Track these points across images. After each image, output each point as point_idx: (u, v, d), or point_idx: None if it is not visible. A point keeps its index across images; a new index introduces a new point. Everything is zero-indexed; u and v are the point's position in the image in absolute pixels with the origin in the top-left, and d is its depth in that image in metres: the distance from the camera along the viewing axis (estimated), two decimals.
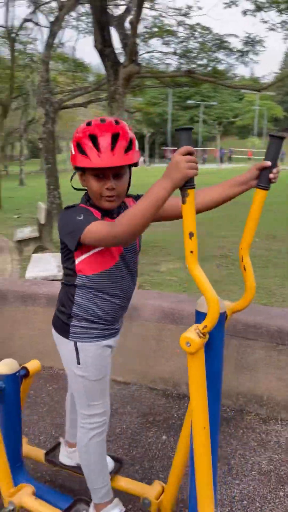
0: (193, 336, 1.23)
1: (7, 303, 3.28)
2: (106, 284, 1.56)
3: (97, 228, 1.37)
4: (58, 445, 2.11)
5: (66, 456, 2.03)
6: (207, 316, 1.24)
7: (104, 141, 1.41)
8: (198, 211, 1.59)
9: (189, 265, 1.24)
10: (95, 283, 1.55)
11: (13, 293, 3.28)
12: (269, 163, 1.37)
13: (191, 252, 1.22)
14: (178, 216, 1.60)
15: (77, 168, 1.48)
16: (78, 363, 1.61)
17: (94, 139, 1.42)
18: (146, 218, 1.26)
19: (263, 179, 1.39)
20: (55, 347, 1.73)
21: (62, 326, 1.63)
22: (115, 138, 1.42)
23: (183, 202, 1.21)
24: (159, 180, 1.23)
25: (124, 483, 1.94)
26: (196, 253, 1.23)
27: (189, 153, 1.19)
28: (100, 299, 1.58)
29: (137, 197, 1.63)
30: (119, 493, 1.86)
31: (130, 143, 1.45)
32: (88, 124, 1.46)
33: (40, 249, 7.08)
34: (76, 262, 1.53)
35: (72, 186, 1.61)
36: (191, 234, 1.21)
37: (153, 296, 3.16)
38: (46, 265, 4.71)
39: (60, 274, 4.51)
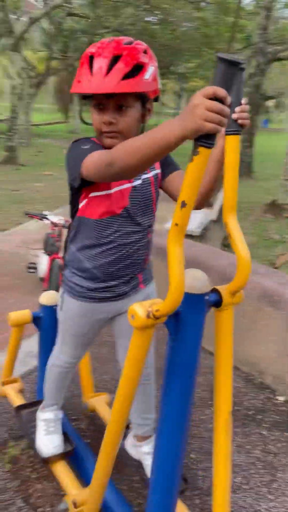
0: (140, 311, 1.04)
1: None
2: (103, 234, 1.40)
3: (96, 155, 1.18)
4: None
5: (132, 446, 1.87)
6: (165, 300, 1.02)
7: (100, 63, 1.20)
8: (200, 206, 1.34)
9: (168, 239, 1.01)
10: (90, 230, 1.40)
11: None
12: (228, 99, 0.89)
13: (176, 224, 0.97)
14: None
15: (82, 98, 1.33)
16: (61, 309, 1.57)
17: (91, 60, 1.23)
18: (144, 154, 0.99)
19: (231, 121, 1.08)
20: None
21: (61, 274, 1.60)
22: (115, 60, 1.20)
23: (190, 160, 0.92)
24: (173, 120, 0.92)
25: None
26: (182, 228, 0.98)
27: (217, 98, 0.83)
28: (94, 250, 1.42)
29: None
30: None
31: (136, 68, 1.21)
32: (95, 44, 1.27)
33: None
34: (80, 205, 1.40)
35: (82, 120, 1.46)
36: (183, 204, 0.94)
37: (260, 271, 2.80)
38: (192, 220, 4.58)
39: (197, 230, 4.39)
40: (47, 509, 1.73)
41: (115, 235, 1.40)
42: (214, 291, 1.21)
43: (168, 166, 1.43)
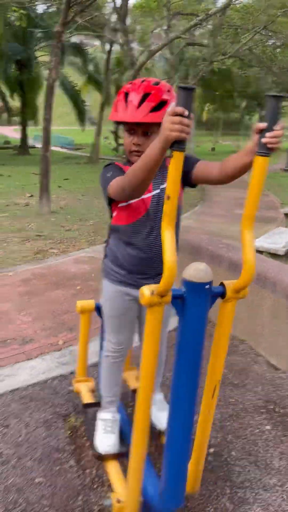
0: (145, 291, 1.29)
1: (197, 257, 3.60)
2: (130, 236, 1.70)
3: (114, 183, 1.53)
4: None
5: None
6: (162, 279, 1.25)
7: (133, 97, 1.51)
8: (222, 181, 1.52)
9: (162, 227, 1.27)
10: (121, 233, 1.73)
11: (205, 251, 3.57)
12: (262, 125, 1.18)
13: (165, 214, 1.25)
14: (210, 180, 1.55)
15: (116, 123, 1.63)
16: (102, 293, 1.89)
17: (126, 95, 1.54)
18: (143, 173, 1.33)
19: (261, 144, 1.21)
20: None
21: (102, 262, 1.90)
22: (145, 96, 1.49)
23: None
24: (155, 139, 1.24)
25: None
26: (169, 217, 1.24)
27: (178, 114, 1.13)
28: (124, 248, 1.74)
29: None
30: None
31: (161, 104, 1.50)
32: (130, 82, 1.58)
33: None
34: (113, 214, 1.74)
35: (116, 140, 1.76)
36: (167, 197, 1.22)
37: None
38: (278, 239, 4.64)
39: (282, 250, 4.39)
40: (93, 471, 2.01)
41: (139, 236, 1.70)
42: (221, 284, 1.41)
43: (189, 163, 1.63)
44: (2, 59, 18.51)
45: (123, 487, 1.74)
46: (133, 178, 1.38)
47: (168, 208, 1.23)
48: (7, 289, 4.14)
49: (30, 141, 26.87)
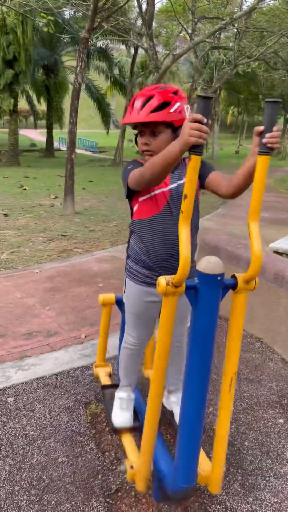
0: (162, 281, 1.41)
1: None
2: (151, 230, 1.79)
3: (135, 171, 1.66)
4: None
5: (165, 398, 2.28)
6: (178, 270, 1.38)
7: (138, 102, 1.65)
8: (228, 196, 1.65)
9: (179, 224, 1.39)
10: (142, 228, 1.82)
11: (224, 250, 3.67)
12: (261, 128, 1.33)
13: (182, 212, 1.37)
14: (217, 192, 1.68)
15: (133, 127, 1.77)
16: (124, 292, 1.99)
17: (134, 101, 1.68)
18: (161, 166, 1.47)
19: (262, 144, 1.34)
20: None
21: (125, 263, 2.00)
22: (148, 99, 1.63)
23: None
24: (175, 141, 1.39)
25: None
26: (186, 215, 1.36)
27: (198, 121, 1.25)
28: (145, 244, 1.82)
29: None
30: None
31: (164, 104, 1.62)
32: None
33: None
34: (134, 209, 1.85)
35: (136, 142, 1.84)
36: (185, 196, 1.33)
37: None
38: None
39: None
40: (112, 454, 2.14)
41: (160, 230, 1.79)
42: (233, 277, 1.52)
43: (205, 170, 1.75)
44: (30, 64, 18.94)
45: (137, 455, 1.89)
46: (152, 169, 1.52)
47: (185, 206, 1.35)
48: (33, 285, 4.33)
49: (56, 144, 27.35)
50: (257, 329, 3.37)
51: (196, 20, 13.87)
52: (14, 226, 7.17)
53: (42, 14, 13.18)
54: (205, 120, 1.26)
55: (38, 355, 2.98)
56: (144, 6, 11.46)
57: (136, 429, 2.14)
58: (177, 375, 2.20)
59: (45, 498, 1.88)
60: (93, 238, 6.57)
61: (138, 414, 2.20)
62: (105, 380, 2.52)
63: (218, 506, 1.88)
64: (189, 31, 13.62)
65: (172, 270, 1.84)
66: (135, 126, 1.76)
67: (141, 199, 1.80)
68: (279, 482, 2.03)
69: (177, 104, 1.66)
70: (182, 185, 1.78)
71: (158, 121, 1.65)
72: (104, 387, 2.45)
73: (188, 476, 1.65)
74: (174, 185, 1.78)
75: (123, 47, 24.92)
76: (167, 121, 1.65)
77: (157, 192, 1.77)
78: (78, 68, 7.99)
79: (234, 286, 1.51)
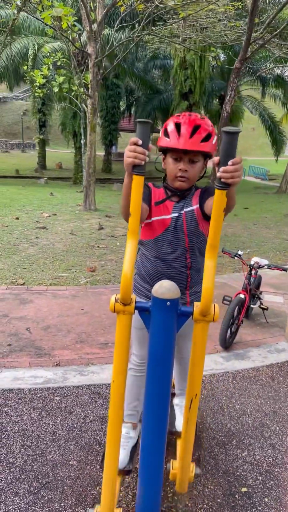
0: (112, 298, 1.44)
1: None
2: (152, 250, 1.86)
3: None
4: None
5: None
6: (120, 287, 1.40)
7: (185, 129, 1.63)
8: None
9: (127, 237, 1.42)
10: (145, 247, 1.89)
11: None
12: (217, 159, 1.24)
13: (130, 229, 1.40)
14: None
15: (161, 150, 1.75)
16: None
17: (178, 126, 1.66)
18: (123, 199, 1.52)
19: (217, 178, 1.24)
20: None
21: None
22: (196, 128, 1.62)
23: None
24: None
25: None
26: (133, 231, 1.40)
27: (134, 143, 1.32)
28: (146, 263, 1.91)
29: (203, 190, 1.76)
30: None
31: (208, 136, 1.63)
32: (178, 115, 1.70)
33: None
34: (141, 229, 1.89)
35: (156, 168, 1.85)
36: (130, 214, 1.39)
37: None
38: None
39: None
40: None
41: (155, 252, 1.85)
42: (191, 304, 1.46)
43: (204, 195, 1.75)
44: (204, 95, 19.85)
45: (111, 506, 1.67)
46: (121, 203, 1.57)
47: (130, 224, 1.40)
48: None
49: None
50: None
51: None
52: None
53: (212, 47, 13.75)
54: (140, 142, 1.30)
55: (102, 364, 3.16)
56: None
57: (127, 473, 1.98)
58: (183, 381, 2.27)
59: (42, 492, 2.01)
60: (218, 264, 6.53)
61: (135, 456, 2.01)
62: None
63: None
64: None
65: None
66: (167, 150, 1.75)
67: (145, 221, 1.86)
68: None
69: (215, 137, 1.70)
70: (181, 215, 1.80)
71: (205, 151, 1.67)
72: None
73: (147, 508, 1.60)
74: (175, 214, 1.81)
75: None
76: (207, 151, 1.67)
77: (158, 218, 1.82)
78: (228, 97, 8.14)
79: (190, 314, 1.44)
